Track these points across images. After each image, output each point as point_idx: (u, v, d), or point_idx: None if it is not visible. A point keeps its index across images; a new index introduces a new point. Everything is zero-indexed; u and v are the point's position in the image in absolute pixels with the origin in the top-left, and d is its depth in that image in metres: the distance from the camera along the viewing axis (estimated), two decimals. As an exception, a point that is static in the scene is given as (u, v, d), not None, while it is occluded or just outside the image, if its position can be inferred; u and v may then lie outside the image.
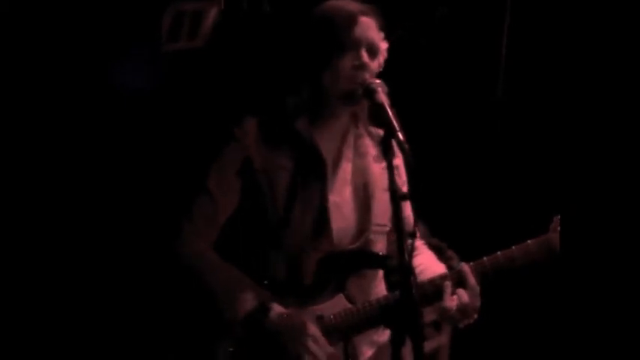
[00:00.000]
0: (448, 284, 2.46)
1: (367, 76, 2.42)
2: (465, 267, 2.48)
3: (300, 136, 2.51)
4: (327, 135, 2.55)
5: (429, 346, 3.86)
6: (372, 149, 2.59)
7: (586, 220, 2.48)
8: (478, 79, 4.09)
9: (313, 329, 2.41)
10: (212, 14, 3.66)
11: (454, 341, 3.96)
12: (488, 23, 4.06)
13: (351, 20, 2.43)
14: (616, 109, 3.87)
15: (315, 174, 2.51)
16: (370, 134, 2.60)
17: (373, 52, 2.45)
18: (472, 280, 2.46)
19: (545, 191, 3.77)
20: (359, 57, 2.43)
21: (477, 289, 2.46)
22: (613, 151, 3.77)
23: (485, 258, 2.51)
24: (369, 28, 2.45)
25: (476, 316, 2.49)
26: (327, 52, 2.43)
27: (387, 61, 2.50)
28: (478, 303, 2.47)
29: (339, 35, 2.42)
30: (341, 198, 2.54)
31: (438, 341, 3.93)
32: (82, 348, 3.52)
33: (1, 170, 3.44)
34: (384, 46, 2.48)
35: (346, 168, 2.57)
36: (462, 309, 2.45)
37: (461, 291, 2.46)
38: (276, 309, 2.41)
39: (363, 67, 2.43)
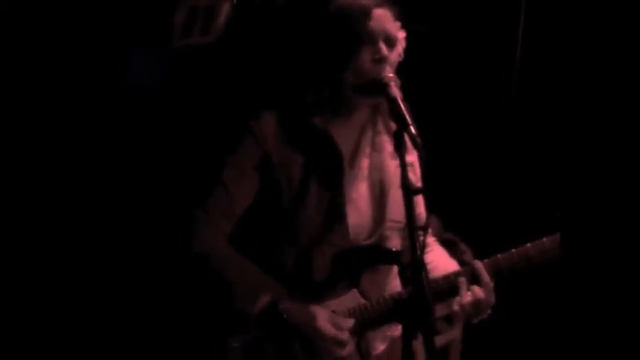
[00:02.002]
0: (463, 280, 2.47)
1: (387, 68, 2.42)
2: (479, 264, 2.49)
3: (318, 132, 2.51)
4: (345, 130, 2.55)
5: (440, 340, 3.86)
6: (389, 145, 2.58)
7: (594, 219, 2.48)
8: (493, 76, 4.08)
9: (328, 325, 2.41)
10: (225, 9, 3.66)
11: (466, 335, 3.95)
12: (503, 22, 4.05)
13: (366, 14, 2.41)
14: (628, 109, 3.87)
15: (332, 169, 2.51)
16: (389, 130, 2.59)
17: (391, 43, 2.45)
18: (486, 276, 2.47)
19: (560, 188, 3.77)
20: (378, 50, 2.42)
21: (491, 285, 2.47)
22: (626, 151, 3.77)
23: (499, 255, 2.51)
24: (385, 19, 2.44)
25: (489, 311, 2.50)
26: (345, 49, 2.42)
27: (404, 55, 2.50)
28: (493, 299, 2.47)
29: (356, 30, 2.41)
30: (357, 193, 2.54)
31: (449, 335, 3.93)
32: (89, 345, 3.53)
33: (17, 168, 3.46)
34: (401, 35, 2.48)
35: (363, 163, 2.57)
36: (477, 305, 2.46)
37: (476, 287, 2.46)
38: (291, 305, 2.40)
39: (382, 59, 2.42)
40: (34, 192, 3.51)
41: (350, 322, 2.43)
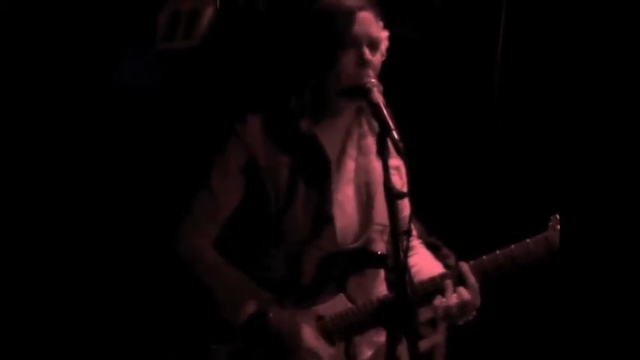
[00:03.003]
0: (449, 283, 2.47)
1: (370, 72, 2.41)
2: (465, 266, 2.49)
3: (304, 136, 2.50)
4: (330, 133, 2.55)
5: (424, 344, 3.86)
6: (374, 147, 2.59)
7: (583, 219, 2.50)
8: (474, 77, 4.09)
9: (311, 339, 2.41)
10: (208, 14, 3.66)
11: (450, 340, 3.96)
12: (484, 23, 4.06)
13: (350, 18, 2.41)
14: (611, 108, 3.89)
15: (319, 172, 2.51)
16: (374, 132, 2.58)
17: (374, 46, 2.44)
18: (472, 278, 2.47)
19: (543, 190, 3.78)
20: (361, 54, 2.42)
21: (477, 287, 2.48)
22: (609, 150, 3.78)
23: (484, 257, 2.52)
24: (368, 22, 2.43)
25: (475, 313, 2.50)
26: (328, 52, 2.42)
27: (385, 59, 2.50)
28: (478, 301, 2.48)
29: (340, 34, 2.40)
30: (344, 196, 2.54)
31: (433, 340, 3.93)
32: (80, 347, 3.52)
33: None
34: (384, 35, 2.47)
35: (349, 166, 2.57)
36: (462, 307, 2.46)
37: (462, 289, 2.47)
38: (276, 315, 2.40)
39: (366, 63, 2.42)
40: (16, 191, 3.49)
41: (331, 350, 2.44)
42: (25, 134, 3.49)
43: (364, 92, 2.34)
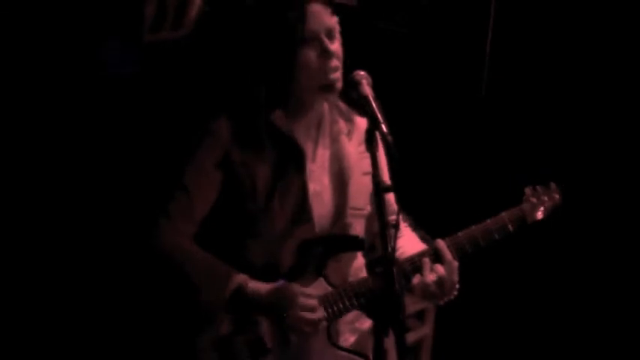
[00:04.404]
0: (426, 260, 2.51)
1: (335, 61, 2.43)
2: (440, 243, 2.53)
3: (277, 129, 2.51)
4: (303, 125, 2.56)
5: (412, 337, 3.87)
6: (344, 128, 2.61)
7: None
8: (462, 73, 4.10)
9: (304, 298, 2.43)
10: (196, 4, 3.63)
11: (437, 332, 3.97)
12: (473, 19, 4.07)
13: (302, 14, 2.41)
14: (602, 107, 3.90)
15: (294, 164, 2.52)
16: (341, 114, 2.62)
17: (331, 34, 2.45)
18: (448, 254, 2.51)
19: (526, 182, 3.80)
20: (321, 46, 2.43)
21: (455, 264, 2.52)
22: (600, 144, 3.80)
23: (459, 233, 2.57)
24: (321, 14, 2.44)
25: (455, 292, 2.54)
26: (287, 51, 2.42)
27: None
28: (456, 278, 2.52)
29: (295, 32, 2.41)
30: (320, 186, 2.56)
31: (421, 332, 3.94)
32: (70, 346, 3.50)
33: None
34: (335, 20, 2.47)
35: (324, 155, 2.59)
36: (440, 284, 2.49)
37: (438, 266, 2.50)
38: (262, 285, 2.43)
39: (328, 53, 2.43)
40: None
41: (315, 301, 2.45)
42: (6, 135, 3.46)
43: (353, 85, 2.33)
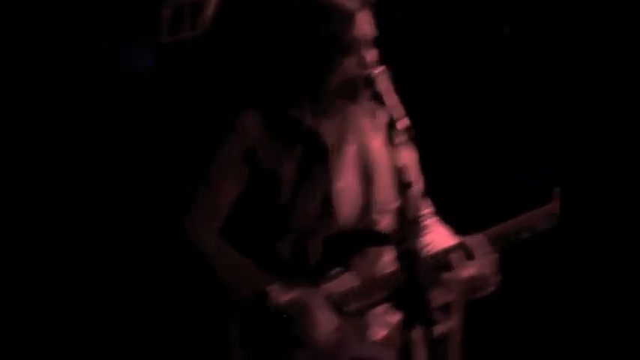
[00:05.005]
0: (454, 257, 2.51)
1: (370, 69, 2.42)
2: (470, 239, 2.53)
3: (302, 125, 2.52)
4: (328, 121, 2.56)
5: (439, 330, 3.84)
6: (369, 124, 2.61)
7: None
8: (468, 68, 4.06)
9: (320, 305, 2.43)
10: (212, 4, 3.64)
11: (466, 325, 3.94)
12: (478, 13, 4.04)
13: (350, 22, 2.41)
14: (607, 101, 3.87)
15: (319, 161, 2.53)
16: (366, 109, 2.60)
17: (371, 44, 2.46)
18: (479, 250, 2.50)
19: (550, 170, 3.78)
20: (361, 56, 2.44)
21: (489, 258, 2.51)
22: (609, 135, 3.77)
23: (492, 228, 2.56)
24: (367, 23, 2.45)
25: (491, 286, 2.55)
26: (327, 57, 2.43)
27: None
28: (488, 272, 2.51)
29: (339, 40, 2.42)
30: (346, 182, 2.56)
31: (447, 325, 3.91)
32: (78, 344, 3.51)
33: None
34: (374, 28, 2.47)
35: (349, 151, 2.58)
36: (473, 281, 2.52)
37: (469, 263, 2.50)
38: (284, 290, 2.43)
39: (366, 65, 2.43)
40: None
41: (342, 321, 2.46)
42: (24, 134, 3.47)
43: (370, 83, 2.35)
